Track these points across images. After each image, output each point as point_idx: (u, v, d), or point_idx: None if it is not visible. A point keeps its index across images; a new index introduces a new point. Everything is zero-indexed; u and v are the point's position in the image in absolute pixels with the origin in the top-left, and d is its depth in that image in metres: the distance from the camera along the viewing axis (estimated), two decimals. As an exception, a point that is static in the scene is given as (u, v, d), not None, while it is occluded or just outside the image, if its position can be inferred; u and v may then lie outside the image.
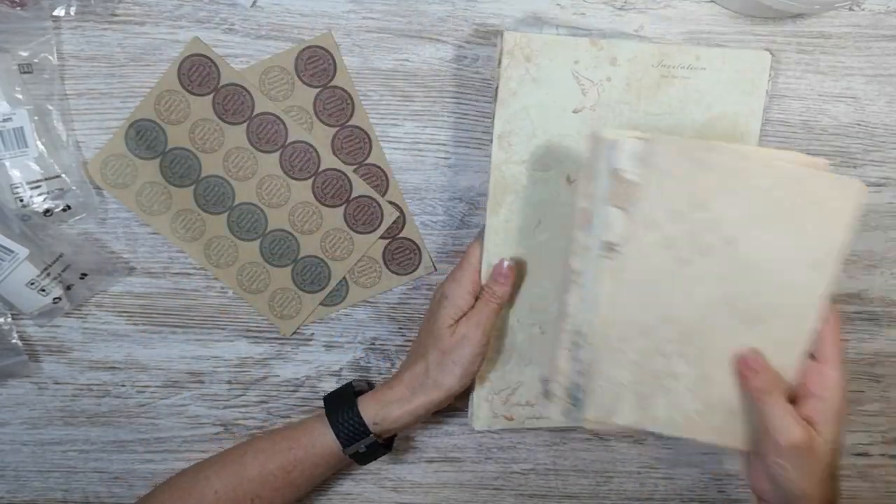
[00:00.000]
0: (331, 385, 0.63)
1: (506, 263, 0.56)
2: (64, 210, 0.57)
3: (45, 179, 0.56)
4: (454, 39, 0.58)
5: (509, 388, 0.60)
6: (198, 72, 0.56)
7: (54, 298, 0.57)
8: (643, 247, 0.48)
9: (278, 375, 0.63)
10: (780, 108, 0.60)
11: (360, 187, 0.59)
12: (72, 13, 0.56)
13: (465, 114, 0.59)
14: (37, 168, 0.55)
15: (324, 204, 0.59)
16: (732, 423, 0.50)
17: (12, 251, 0.55)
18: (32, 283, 0.56)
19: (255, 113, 0.58)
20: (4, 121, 0.54)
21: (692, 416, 0.50)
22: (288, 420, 0.64)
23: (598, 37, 0.56)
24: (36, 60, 0.56)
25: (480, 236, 0.57)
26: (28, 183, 0.55)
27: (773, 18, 0.59)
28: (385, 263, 0.61)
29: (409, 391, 0.56)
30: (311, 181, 0.59)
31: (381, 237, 0.61)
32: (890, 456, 0.67)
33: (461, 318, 0.56)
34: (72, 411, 0.63)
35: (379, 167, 0.59)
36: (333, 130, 0.58)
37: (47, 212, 0.56)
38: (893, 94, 0.60)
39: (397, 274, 0.61)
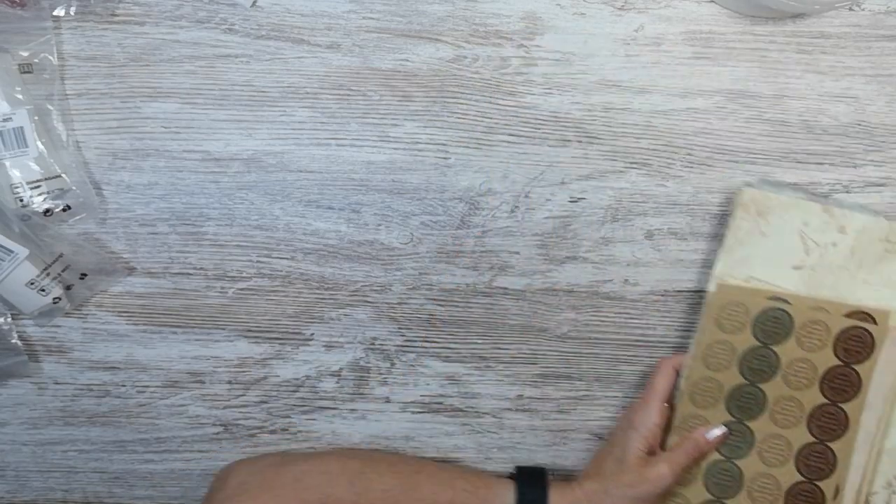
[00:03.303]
0: (331, 385, 0.63)
1: (720, 431, 0.58)
2: (64, 210, 0.57)
3: (45, 179, 0.56)
4: (454, 39, 0.58)
5: None
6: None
7: (54, 298, 0.57)
8: None
9: (278, 375, 0.63)
10: (780, 108, 0.60)
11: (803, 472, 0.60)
12: (72, 13, 0.56)
13: (465, 114, 0.59)
14: (37, 168, 0.55)
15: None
16: None
17: (12, 251, 0.55)
18: (32, 283, 0.56)
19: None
20: (4, 121, 0.54)
21: None
22: (288, 420, 0.64)
23: (831, 204, 0.58)
24: (36, 60, 0.56)
25: (667, 366, 0.59)
26: (28, 183, 0.55)
27: (773, 18, 0.59)
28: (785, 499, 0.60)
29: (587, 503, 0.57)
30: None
31: (800, 471, 0.60)
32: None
33: (651, 451, 0.57)
34: (72, 411, 0.63)
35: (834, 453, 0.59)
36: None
37: (47, 212, 0.56)
38: (893, 94, 0.60)
39: None
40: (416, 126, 0.59)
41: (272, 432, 0.64)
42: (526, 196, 0.61)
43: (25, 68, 0.55)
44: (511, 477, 0.60)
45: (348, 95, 0.59)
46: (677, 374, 0.60)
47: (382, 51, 0.58)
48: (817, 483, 0.59)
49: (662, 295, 0.63)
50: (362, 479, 0.55)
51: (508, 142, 0.60)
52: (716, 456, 0.60)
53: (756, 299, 0.58)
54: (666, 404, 0.59)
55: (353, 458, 0.58)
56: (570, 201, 0.61)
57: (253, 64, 0.58)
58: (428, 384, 0.64)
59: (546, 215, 0.61)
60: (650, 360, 0.64)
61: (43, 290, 0.57)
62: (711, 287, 0.59)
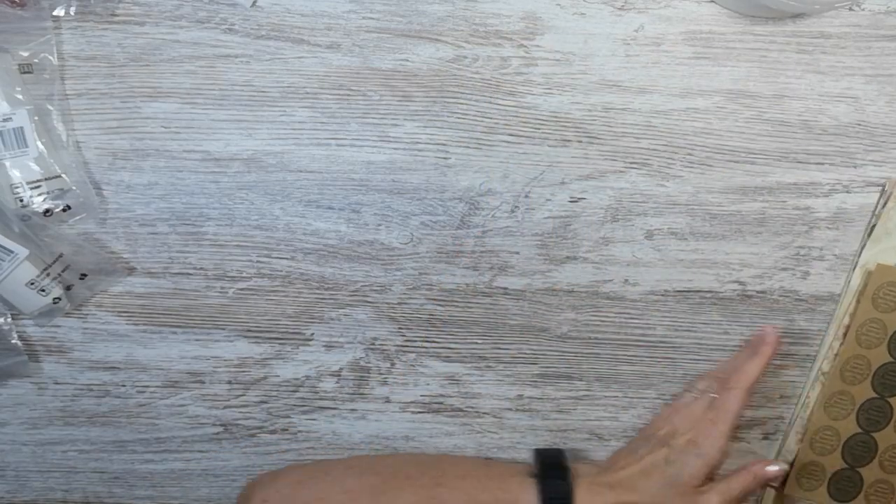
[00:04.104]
0: (331, 385, 0.63)
1: (778, 468, 0.57)
2: (64, 210, 0.57)
3: (45, 179, 0.56)
4: (454, 39, 0.58)
5: None
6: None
7: (54, 298, 0.57)
8: None
9: (278, 375, 0.63)
10: (780, 108, 0.60)
11: None
12: (72, 13, 0.56)
13: (465, 114, 0.59)
14: (37, 168, 0.55)
15: None
16: None
17: (12, 251, 0.55)
18: (32, 283, 0.56)
19: None
20: (4, 121, 0.54)
21: None
22: (288, 420, 0.64)
23: None
24: (36, 60, 0.56)
25: (743, 386, 0.56)
26: (28, 183, 0.55)
27: (772, 18, 0.59)
28: None
29: None
30: None
31: None
32: (890, 456, 0.67)
33: (710, 477, 0.55)
34: (72, 411, 0.63)
35: None
36: None
37: (47, 212, 0.56)
38: (893, 94, 0.60)
39: None
40: (416, 126, 0.59)
41: (272, 432, 0.65)
42: (526, 196, 0.61)
43: (25, 68, 0.55)
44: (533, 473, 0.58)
45: (348, 95, 0.59)
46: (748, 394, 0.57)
47: (382, 51, 0.58)
48: None
49: (662, 295, 0.63)
50: (382, 499, 0.55)
51: (508, 142, 0.60)
52: (855, 429, 0.61)
53: None
54: (736, 425, 0.56)
55: (374, 474, 0.57)
56: (570, 201, 0.61)
57: (253, 64, 0.58)
58: (428, 384, 0.64)
59: (546, 215, 0.61)
60: (650, 360, 0.64)
61: (43, 291, 0.57)
62: (856, 275, 0.61)
